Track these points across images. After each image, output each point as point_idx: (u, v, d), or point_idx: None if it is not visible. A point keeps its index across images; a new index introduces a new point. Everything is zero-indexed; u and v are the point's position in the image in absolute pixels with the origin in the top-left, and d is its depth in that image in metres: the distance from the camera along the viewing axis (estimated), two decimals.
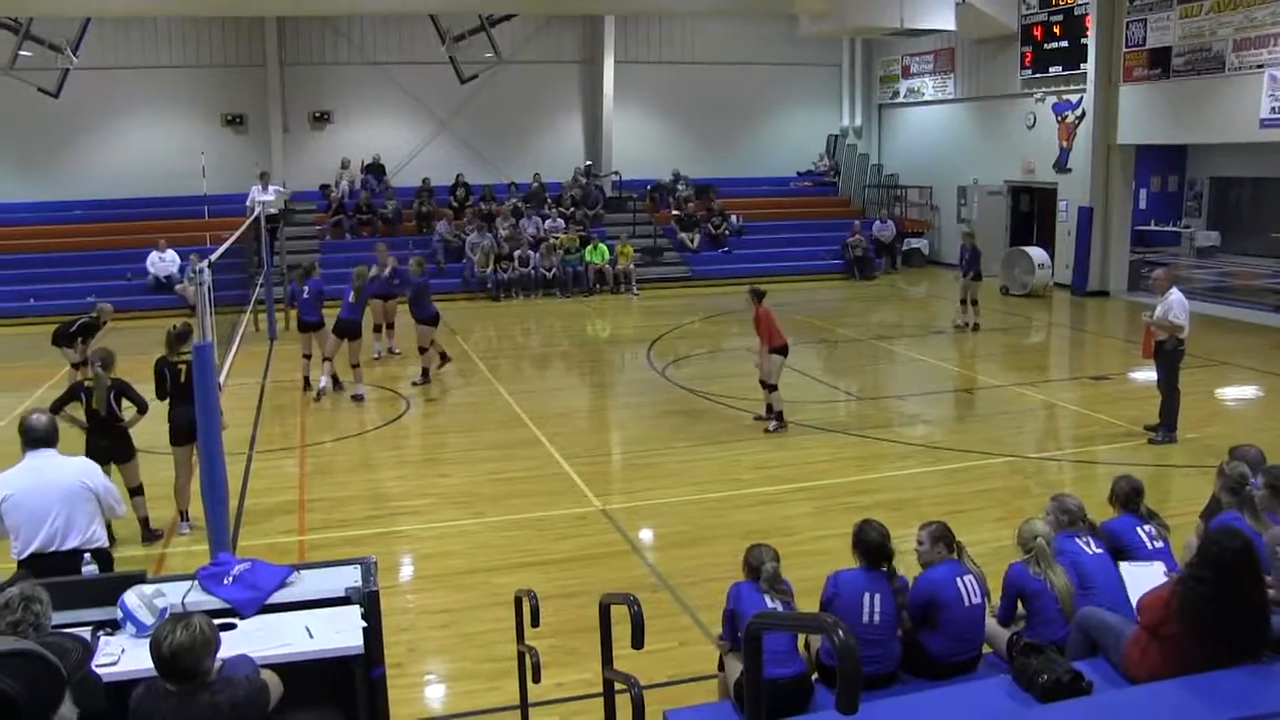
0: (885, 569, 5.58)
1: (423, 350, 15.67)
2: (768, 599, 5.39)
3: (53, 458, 6.26)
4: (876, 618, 5.36)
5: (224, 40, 26.86)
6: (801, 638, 5.56)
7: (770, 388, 12.89)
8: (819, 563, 6.34)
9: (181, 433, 9.38)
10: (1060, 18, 23.09)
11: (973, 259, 19.25)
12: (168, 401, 9.61)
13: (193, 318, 8.69)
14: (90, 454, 8.24)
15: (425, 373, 15.66)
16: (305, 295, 15.18)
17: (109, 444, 9.24)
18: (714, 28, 29.08)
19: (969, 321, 19.27)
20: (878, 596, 5.40)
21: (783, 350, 12.69)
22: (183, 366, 9.34)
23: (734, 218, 27.62)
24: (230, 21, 26.46)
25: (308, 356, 15.27)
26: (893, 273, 27.28)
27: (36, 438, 6.24)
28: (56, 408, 8.75)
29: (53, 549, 6.04)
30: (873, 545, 5.55)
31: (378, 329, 17.31)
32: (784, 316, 15.02)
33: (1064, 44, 22.99)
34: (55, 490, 6.10)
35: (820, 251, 27.00)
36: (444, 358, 16.14)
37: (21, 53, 22.17)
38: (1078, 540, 5.88)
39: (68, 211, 25.93)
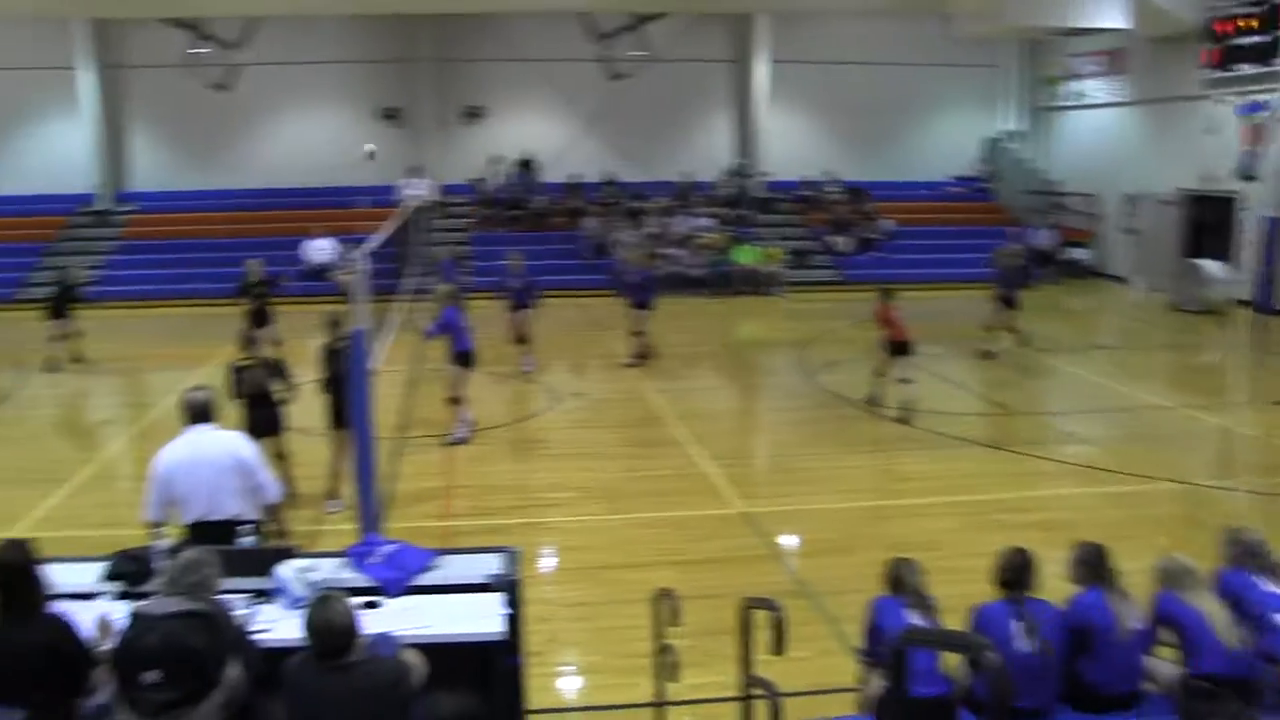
0: (1030, 596, 5.32)
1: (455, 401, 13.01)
2: (910, 614, 5.25)
3: (209, 432, 6.54)
4: (1026, 646, 5.11)
5: (382, 37, 27.59)
6: (946, 660, 5.39)
7: (879, 374, 13.70)
8: (965, 580, 6.15)
9: (339, 414, 9.66)
10: (1257, 10, 21.37)
11: (1015, 279, 17.68)
12: (328, 385, 9.89)
13: (346, 304, 8.93)
14: (246, 427, 8.76)
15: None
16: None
17: (262, 417, 9.61)
18: (868, 27, 28.55)
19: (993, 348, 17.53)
20: (1024, 625, 5.16)
21: (902, 347, 13.28)
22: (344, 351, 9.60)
23: (886, 222, 27.16)
24: (389, 19, 27.16)
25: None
26: (1053, 283, 26.25)
27: (195, 413, 6.55)
28: (233, 398, 9.37)
29: (210, 519, 6.31)
30: (1016, 572, 5.31)
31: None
32: (937, 324, 14.78)
33: (1257, 39, 21.34)
34: (209, 463, 6.38)
35: (978, 259, 26.21)
36: (642, 356, 16.59)
37: (197, 50, 23.19)
38: (1252, 577, 5.48)
39: (236, 199, 27.13)
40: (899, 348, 13.43)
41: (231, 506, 6.37)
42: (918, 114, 29.64)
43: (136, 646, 2.25)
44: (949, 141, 29.92)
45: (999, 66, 29.96)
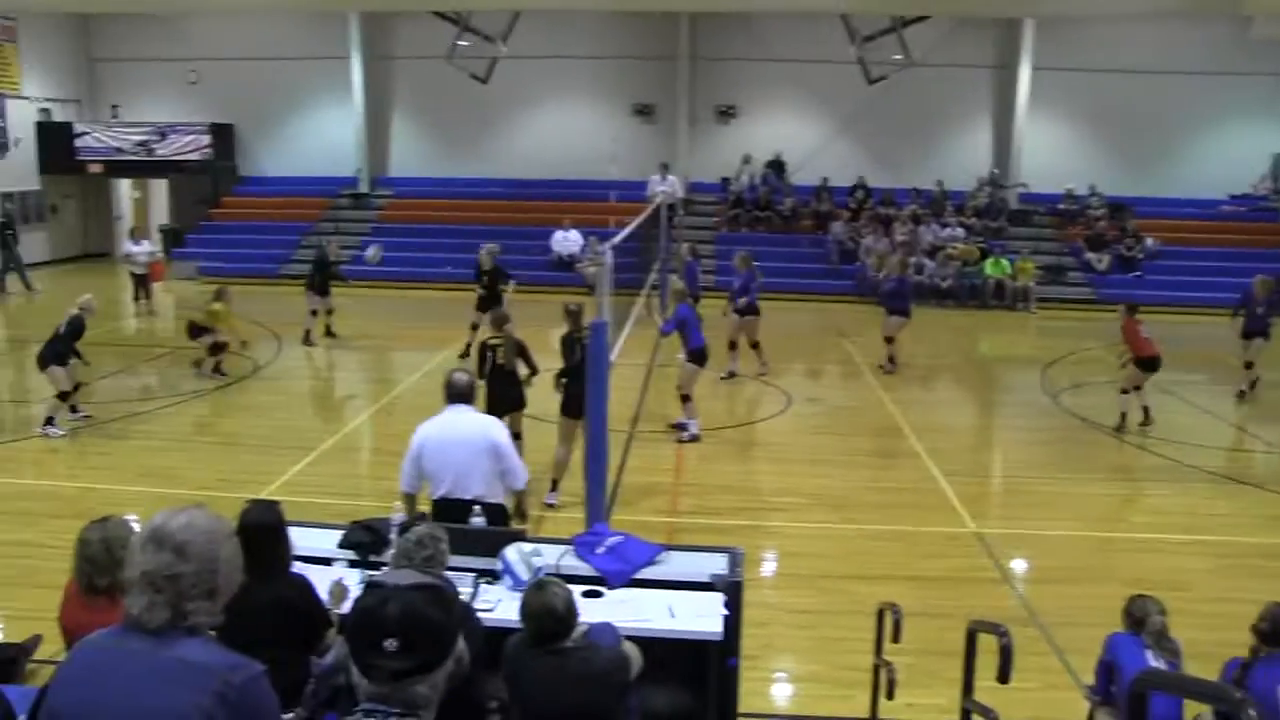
0: None
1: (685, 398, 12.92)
2: (1151, 655, 5.00)
3: (466, 412, 6.80)
4: None
5: (638, 33, 28.05)
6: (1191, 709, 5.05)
7: (1124, 391, 13.42)
8: (1214, 625, 5.83)
9: (575, 405, 9.78)
10: None
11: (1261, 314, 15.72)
12: (564, 375, 10.12)
13: (589, 296, 9.17)
14: (490, 402, 9.47)
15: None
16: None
17: (505, 394, 10.07)
18: (1144, 32, 27.04)
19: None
20: None
21: (1150, 363, 13.11)
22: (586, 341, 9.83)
23: (1149, 240, 25.79)
24: (645, 16, 27.61)
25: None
26: None
27: (455, 393, 6.82)
28: (481, 375, 9.82)
29: (455, 496, 6.54)
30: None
31: (732, 345, 16.24)
32: (1200, 351, 14.01)
33: None
34: (462, 443, 6.61)
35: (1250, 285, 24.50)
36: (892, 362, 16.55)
37: (460, 43, 24.22)
38: None
39: (487, 188, 28.26)
40: (1149, 364, 13.14)
41: (477, 487, 6.57)
42: (1193, 126, 27.72)
43: (376, 614, 2.37)
44: (1228, 156, 27.61)
45: None
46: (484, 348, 10.41)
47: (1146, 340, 13.25)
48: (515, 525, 6.76)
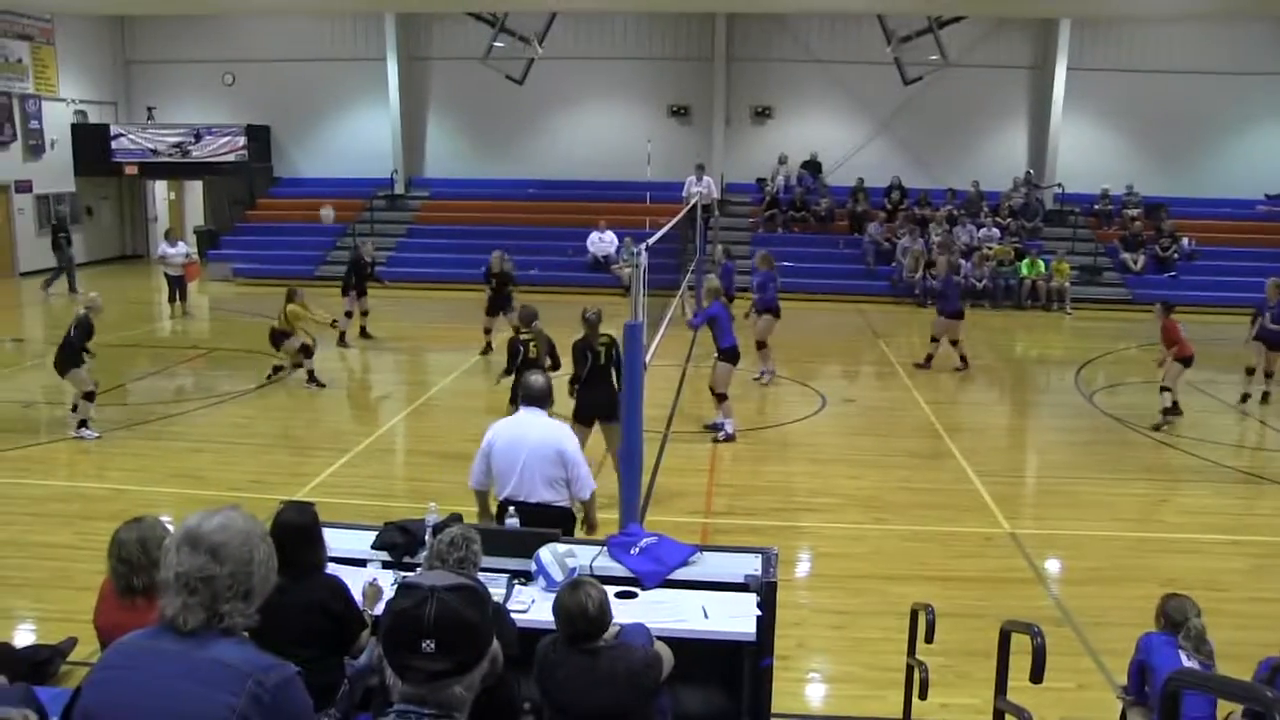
0: None
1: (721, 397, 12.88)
2: (1185, 656, 4.97)
3: (539, 416, 6.78)
4: None
5: (674, 34, 28.14)
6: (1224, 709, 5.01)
7: (1166, 389, 13.48)
8: (1252, 626, 5.80)
9: (584, 411, 9.80)
10: None
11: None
12: (577, 381, 10.09)
13: (624, 297, 9.20)
14: (513, 397, 9.41)
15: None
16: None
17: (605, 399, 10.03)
18: (1181, 33, 26.88)
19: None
20: None
21: (1189, 361, 13.35)
22: (600, 349, 9.83)
23: (1185, 241, 25.56)
24: (681, 16, 27.68)
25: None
26: None
27: (530, 396, 6.84)
28: (509, 371, 10.27)
29: (520, 499, 6.57)
30: None
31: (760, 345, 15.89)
32: (1235, 353, 13.94)
33: None
34: (529, 448, 6.61)
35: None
36: (964, 360, 16.76)
37: (495, 44, 24.34)
38: None
39: (522, 189, 28.34)
40: (1188, 361, 13.42)
41: (543, 493, 6.59)
42: (1230, 126, 27.52)
43: (412, 615, 2.39)
44: (1265, 156, 27.53)
45: None
46: (515, 343, 10.57)
47: (1187, 339, 13.41)
48: (583, 534, 6.77)
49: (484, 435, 6.80)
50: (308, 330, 15.16)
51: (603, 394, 9.65)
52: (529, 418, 6.74)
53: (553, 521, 6.41)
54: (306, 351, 15.01)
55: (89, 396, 12.33)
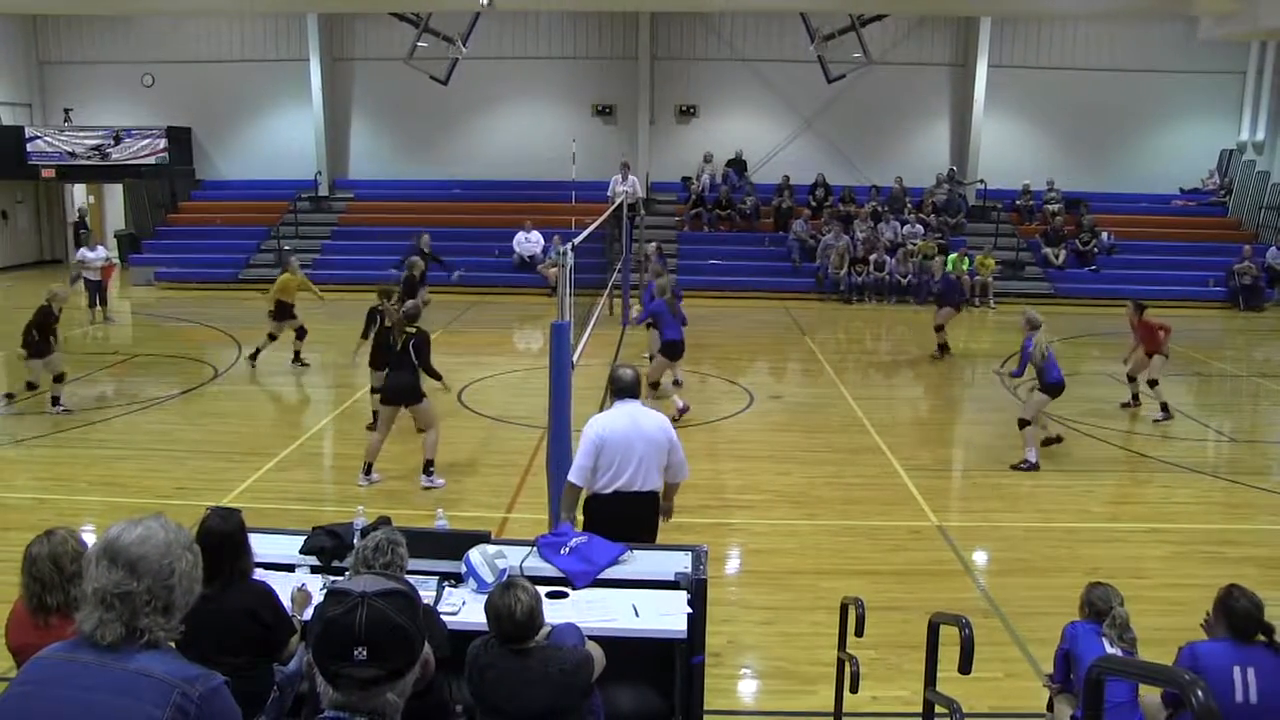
0: (1263, 642, 4.73)
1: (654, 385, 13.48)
2: (1107, 643, 5.06)
3: (640, 406, 6.82)
4: (1253, 697, 4.55)
5: (598, 33, 28.22)
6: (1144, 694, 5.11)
7: (1152, 383, 14.03)
8: (1170, 612, 5.93)
9: (390, 395, 10.60)
10: None
11: None
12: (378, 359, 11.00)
13: (551, 298, 9.19)
14: (387, 393, 10.39)
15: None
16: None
17: (402, 383, 10.56)
18: (1098, 32, 27.53)
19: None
20: (1252, 671, 4.60)
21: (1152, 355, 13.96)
22: (402, 337, 10.47)
23: (1105, 235, 26.09)
24: (606, 16, 27.73)
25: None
26: None
27: (622, 388, 6.84)
28: (365, 334, 11.48)
29: (634, 489, 6.61)
30: (1242, 615, 4.75)
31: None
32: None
33: None
34: (646, 437, 6.66)
35: (1201, 277, 24.94)
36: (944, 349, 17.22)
37: (419, 44, 24.17)
38: None
39: (447, 190, 28.22)
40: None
41: (655, 479, 6.69)
42: (1145, 123, 28.26)
43: (343, 623, 2.35)
44: (1180, 153, 28.33)
45: (1245, 73, 28.16)
46: (374, 311, 11.67)
47: (1158, 338, 14.00)
48: (663, 518, 6.96)
49: (586, 433, 6.68)
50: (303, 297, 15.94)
51: (405, 379, 10.50)
52: (635, 409, 6.76)
53: (654, 507, 6.77)
54: (301, 333, 15.86)
55: (30, 386, 13.43)
